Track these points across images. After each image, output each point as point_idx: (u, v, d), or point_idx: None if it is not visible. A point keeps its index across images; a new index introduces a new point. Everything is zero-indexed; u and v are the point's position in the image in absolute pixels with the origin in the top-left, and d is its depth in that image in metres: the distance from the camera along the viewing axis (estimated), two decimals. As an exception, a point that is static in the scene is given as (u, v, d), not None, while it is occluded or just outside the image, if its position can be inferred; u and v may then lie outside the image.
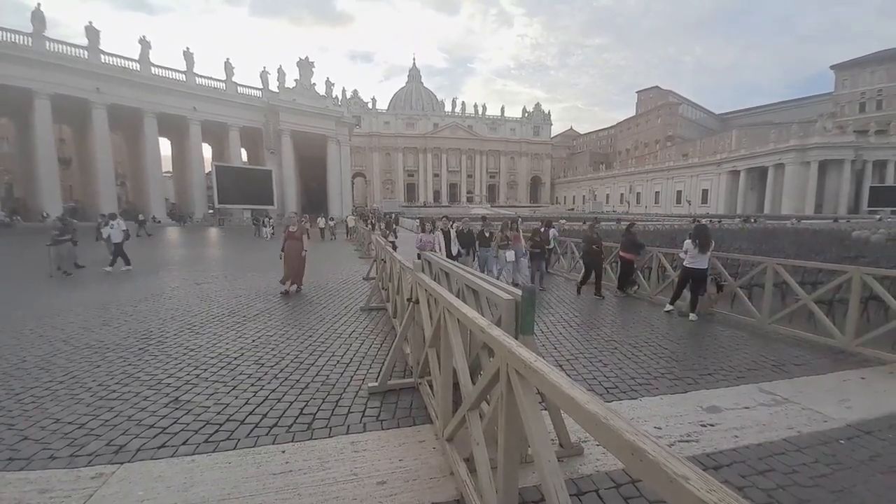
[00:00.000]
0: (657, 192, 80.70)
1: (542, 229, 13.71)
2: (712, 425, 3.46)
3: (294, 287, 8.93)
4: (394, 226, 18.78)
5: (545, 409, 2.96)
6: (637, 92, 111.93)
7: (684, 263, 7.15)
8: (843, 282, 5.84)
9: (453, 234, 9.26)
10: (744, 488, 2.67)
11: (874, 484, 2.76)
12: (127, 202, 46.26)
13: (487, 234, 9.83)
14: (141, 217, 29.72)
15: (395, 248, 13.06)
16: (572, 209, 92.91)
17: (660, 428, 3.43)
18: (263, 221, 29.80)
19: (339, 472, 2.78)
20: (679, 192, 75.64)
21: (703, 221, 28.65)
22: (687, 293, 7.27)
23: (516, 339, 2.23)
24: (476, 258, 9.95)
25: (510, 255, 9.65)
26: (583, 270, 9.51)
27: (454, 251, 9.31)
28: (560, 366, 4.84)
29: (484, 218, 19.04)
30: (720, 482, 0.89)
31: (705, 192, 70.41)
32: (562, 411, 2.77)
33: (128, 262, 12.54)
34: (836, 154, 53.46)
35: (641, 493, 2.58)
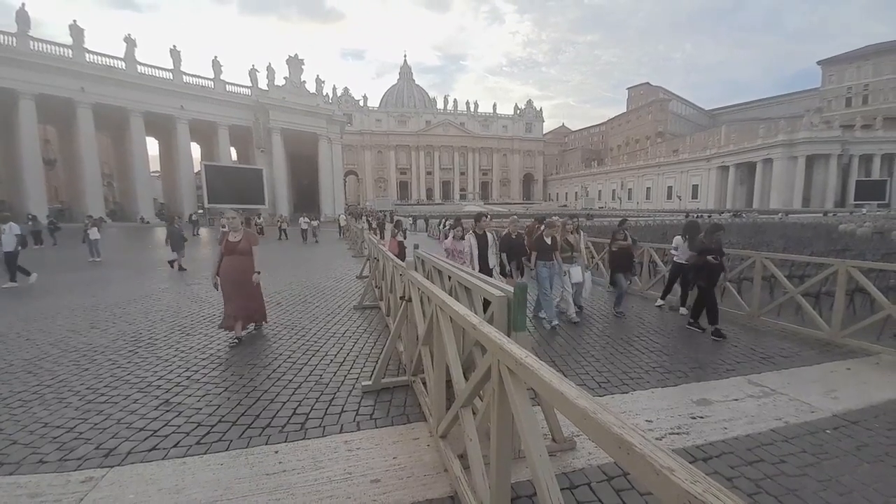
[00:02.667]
0: (648, 188, 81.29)
1: (537, 226, 13.72)
2: (702, 417, 3.51)
3: (249, 327, 5.91)
4: (403, 226, 16.69)
5: (538, 405, 2.98)
6: (628, 88, 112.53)
7: (675, 259, 7.22)
8: (830, 275, 5.94)
9: (491, 238, 6.64)
10: (733, 479, 2.72)
11: (860, 473, 2.81)
12: (114, 202, 45.55)
13: (549, 241, 6.57)
14: (193, 217, 29.66)
15: (403, 248, 12.31)
16: (565, 206, 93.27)
17: (651, 421, 3.47)
18: (223, 222, 25.81)
19: (332, 471, 2.77)
20: (670, 188, 76.24)
21: (695, 217, 28.96)
22: (678, 288, 7.35)
23: (508, 335, 2.24)
24: (526, 275, 6.89)
25: (576, 271, 6.77)
26: (695, 296, 6.31)
27: (492, 263, 6.56)
28: (553, 361, 4.87)
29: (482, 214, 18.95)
30: (708, 473, 0.90)
31: (695, 187, 71.05)
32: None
33: (19, 275, 10.13)
34: (822, 149, 54.19)
35: (632, 486, 2.61)
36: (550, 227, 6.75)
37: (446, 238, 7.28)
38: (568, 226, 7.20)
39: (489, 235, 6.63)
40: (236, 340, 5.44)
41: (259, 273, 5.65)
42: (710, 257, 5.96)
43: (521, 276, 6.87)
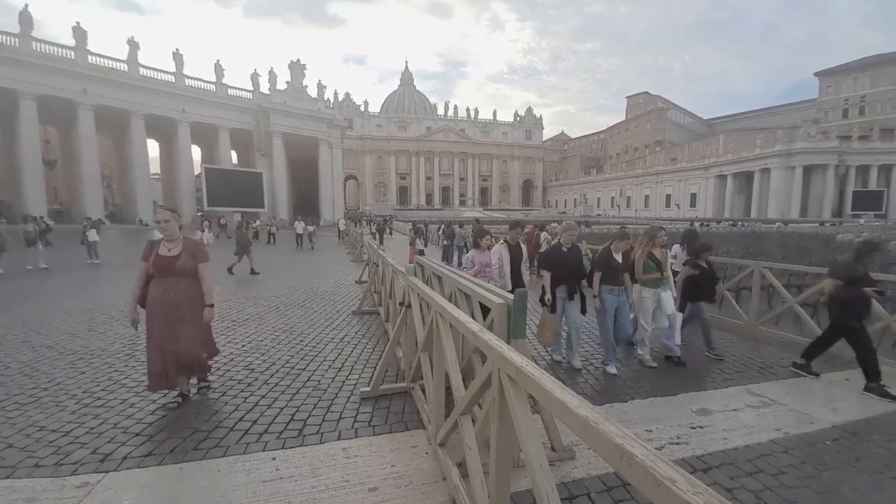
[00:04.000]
0: (647, 196, 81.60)
1: (536, 233, 13.64)
2: (702, 427, 3.50)
3: (188, 387, 3.95)
4: (423, 232, 13.88)
5: (537, 413, 2.98)
6: (627, 97, 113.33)
7: (672, 267, 7.22)
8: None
9: (524, 250, 5.63)
10: (732, 490, 2.71)
11: (860, 484, 2.81)
12: (113, 204, 45.52)
13: (618, 258, 4.95)
14: (222, 221, 29.97)
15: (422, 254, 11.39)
16: (564, 212, 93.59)
17: (650, 431, 3.46)
18: (203, 225, 23.59)
19: (330, 478, 2.75)
20: (668, 196, 76.56)
21: (699, 226, 29.02)
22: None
23: (508, 343, 2.24)
24: (587, 305, 5.00)
25: (667, 299, 4.96)
26: (827, 334, 4.79)
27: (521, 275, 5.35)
28: (552, 370, 4.86)
29: (478, 220, 18.94)
30: (708, 484, 0.90)
31: (693, 195, 71.35)
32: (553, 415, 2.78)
33: None
34: (820, 159, 54.56)
35: (632, 496, 2.59)
36: (622, 239, 4.93)
37: (449, 244, 5.79)
38: (659, 238, 5.17)
39: (523, 247, 5.52)
40: (177, 402, 3.76)
41: (213, 307, 3.87)
42: (869, 289, 4.39)
43: (583, 310, 4.93)
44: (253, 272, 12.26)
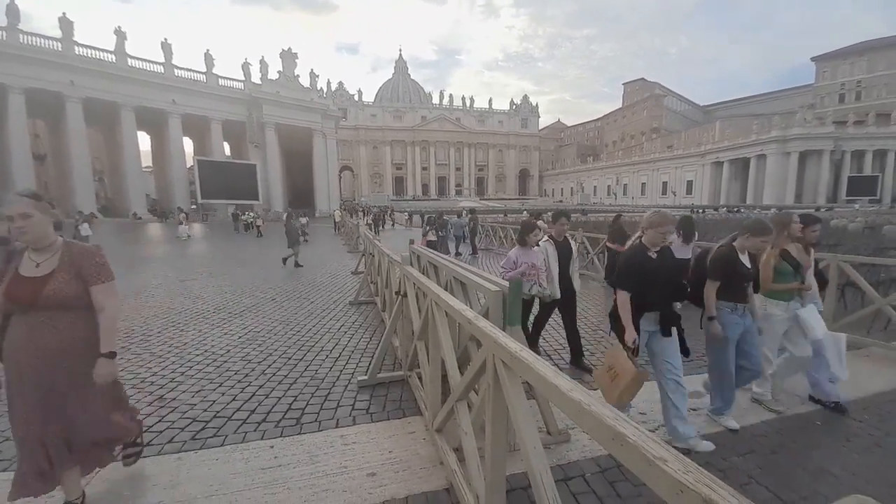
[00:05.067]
0: (643, 184, 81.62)
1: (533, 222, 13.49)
2: (695, 410, 3.55)
3: (84, 483, 2.37)
4: (435, 223, 12.94)
5: (534, 398, 3.00)
6: (623, 84, 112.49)
7: (669, 253, 7.22)
8: (822, 269, 5.99)
9: (574, 247, 4.80)
10: (725, 470, 2.75)
11: (850, 464, 2.86)
12: (105, 198, 45.05)
13: (746, 262, 3.26)
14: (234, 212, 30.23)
15: (435, 248, 10.48)
16: (561, 201, 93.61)
17: (644, 413, 3.51)
18: (180, 218, 22.75)
19: (328, 465, 2.78)
20: (665, 184, 76.60)
21: (698, 212, 29.07)
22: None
23: (503, 330, 2.25)
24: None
25: (810, 317, 3.54)
26: None
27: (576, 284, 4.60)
28: (548, 355, 4.90)
29: (473, 210, 18.78)
30: (700, 464, 0.91)
31: (690, 182, 71.45)
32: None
33: None
34: (815, 145, 54.63)
35: (626, 477, 2.63)
36: (756, 233, 3.20)
37: (444, 234, 5.07)
38: (794, 229, 3.68)
39: (572, 243, 4.69)
40: None
41: (113, 358, 2.24)
42: None
43: (685, 350, 3.22)
44: (297, 265, 12.16)
